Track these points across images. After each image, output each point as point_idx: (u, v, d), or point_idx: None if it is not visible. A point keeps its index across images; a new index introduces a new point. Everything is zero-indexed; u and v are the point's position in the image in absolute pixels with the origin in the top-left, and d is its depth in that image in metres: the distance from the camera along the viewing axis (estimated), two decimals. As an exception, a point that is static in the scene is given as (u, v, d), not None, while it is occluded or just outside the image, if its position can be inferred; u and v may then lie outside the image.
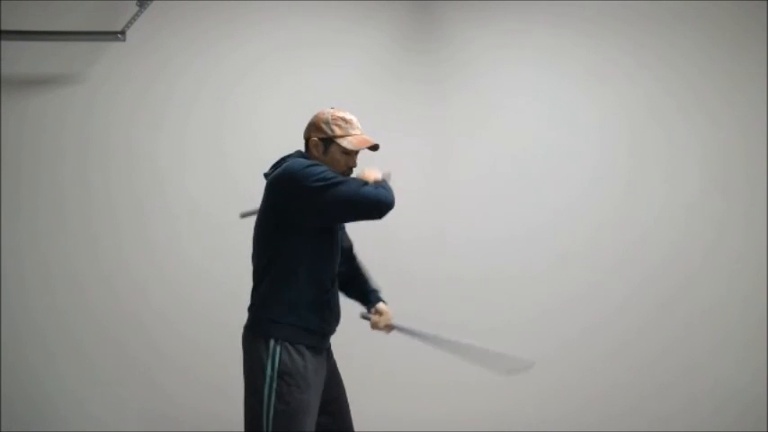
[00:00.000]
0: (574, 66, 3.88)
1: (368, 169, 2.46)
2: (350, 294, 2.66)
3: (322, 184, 2.27)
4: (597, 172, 3.87)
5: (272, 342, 2.32)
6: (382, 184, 2.36)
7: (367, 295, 2.66)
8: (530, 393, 3.77)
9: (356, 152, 2.47)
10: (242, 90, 3.69)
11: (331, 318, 2.43)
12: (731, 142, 3.87)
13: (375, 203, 2.30)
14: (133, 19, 3.47)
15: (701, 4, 3.88)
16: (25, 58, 3.51)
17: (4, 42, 3.43)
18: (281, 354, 2.31)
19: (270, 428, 2.28)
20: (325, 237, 2.40)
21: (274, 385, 2.30)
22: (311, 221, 2.34)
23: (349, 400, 2.53)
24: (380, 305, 2.66)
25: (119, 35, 3.47)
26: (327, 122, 2.46)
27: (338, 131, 2.45)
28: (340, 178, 2.31)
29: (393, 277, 3.70)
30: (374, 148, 2.49)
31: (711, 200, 3.85)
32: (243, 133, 3.68)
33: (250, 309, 2.41)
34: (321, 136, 2.45)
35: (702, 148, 3.87)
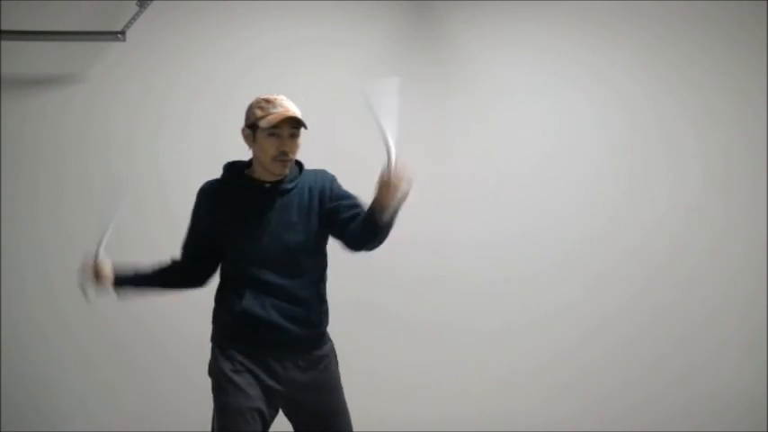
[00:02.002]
0: (574, 66, 3.88)
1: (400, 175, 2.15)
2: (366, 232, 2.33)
3: None
4: (598, 172, 3.86)
5: (210, 345, 2.43)
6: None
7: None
8: (531, 394, 3.77)
9: (290, 135, 2.33)
10: (242, 90, 3.66)
11: (246, 325, 2.37)
12: (733, 143, 3.87)
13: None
14: (133, 19, 3.47)
15: (702, 3, 3.88)
16: (25, 58, 3.50)
17: (4, 42, 3.43)
18: (213, 356, 2.40)
19: (214, 428, 2.35)
20: (234, 241, 2.38)
21: (213, 386, 2.37)
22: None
23: (349, 400, 2.51)
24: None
25: (119, 35, 3.47)
26: (251, 107, 2.38)
27: (259, 113, 2.33)
28: None
29: (393, 278, 3.72)
30: (295, 122, 2.31)
31: (713, 201, 3.85)
32: (243, 133, 3.67)
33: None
34: (247, 123, 2.37)
35: (704, 149, 3.87)
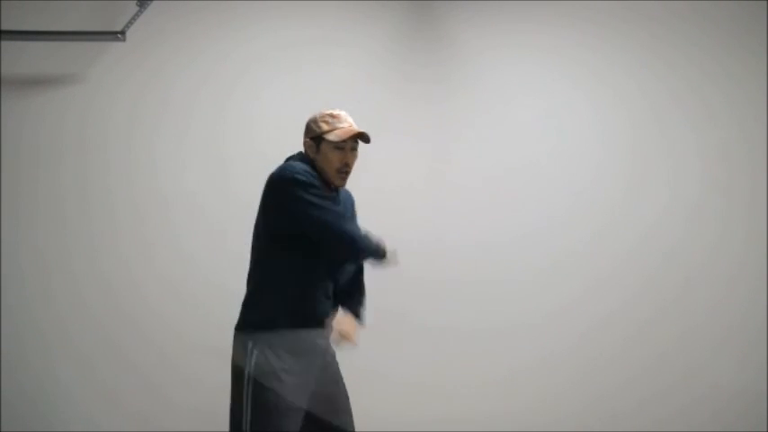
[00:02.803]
0: (574, 66, 3.88)
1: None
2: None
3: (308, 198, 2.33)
4: (598, 172, 3.87)
5: (250, 343, 2.36)
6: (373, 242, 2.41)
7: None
8: (531, 394, 3.77)
9: (351, 148, 2.46)
10: (242, 90, 3.69)
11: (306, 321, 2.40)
12: (732, 142, 3.87)
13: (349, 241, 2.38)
14: (133, 19, 3.47)
15: (702, 3, 3.88)
16: (25, 58, 3.50)
17: (4, 42, 3.43)
18: (257, 356, 2.34)
19: (248, 429, 2.31)
20: (308, 245, 2.38)
21: (251, 387, 2.33)
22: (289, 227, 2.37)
23: (351, 399, 2.52)
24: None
25: (119, 35, 3.47)
26: (315, 121, 2.48)
27: (325, 127, 2.45)
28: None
29: (392, 279, 3.71)
30: (363, 137, 2.46)
31: (712, 201, 3.85)
32: (243, 133, 3.67)
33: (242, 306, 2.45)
34: (311, 135, 2.47)
35: (703, 149, 3.87)
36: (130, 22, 3.47)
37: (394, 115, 3.76)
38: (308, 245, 2.37)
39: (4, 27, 3.42)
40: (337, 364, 2.52)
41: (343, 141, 2.43)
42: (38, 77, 3.53)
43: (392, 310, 3.71)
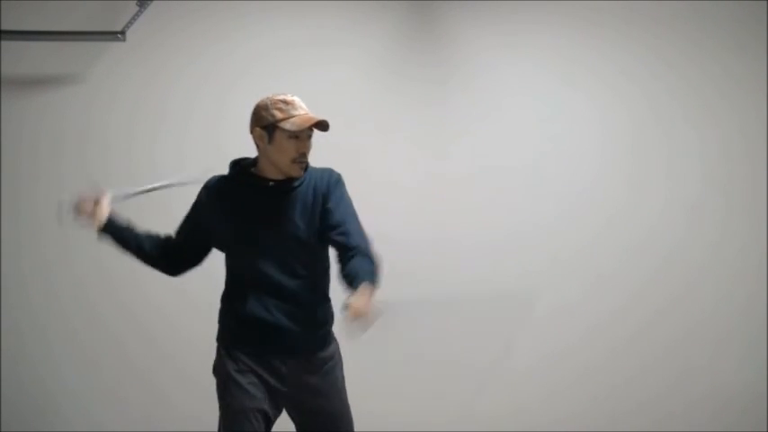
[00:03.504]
0: (574, 66, 3.88)
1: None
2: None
3: None
4: (598, 172, 3.87)
5: (216, 344, 2.43)
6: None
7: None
8: (531, 394, 3.77)
9: (307, 135, 2.32)
10: (242, 90, 3.67)
11: (250, 327, 2.36)
12: (733, 142, 3.87)
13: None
14: (133, 19, 3.47)
15: (702, 3, 3.88)
16: (25, 58, 3.50)
17: (4, 42, 3.43)
18: (218, 356, 2.40)
19: (220, 428, 2.36)
20: (236, 240, 2.37)
21: (218, 386, 2.38)
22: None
23: (350, 399, 2.51)
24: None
25: (119, 35, 3.47)
26: (267, 108, 2.34)
27: (279, 115, 2.30)
28: None
29: (392, 278, 3.71)
30: (322, 126, 2.30)
31: (713, 200, 3.85)
32: (243, 133, 3.65)
33: None
34: (263, 124, 2.33)
35: (703, 148, 3.87)
36: (130, 22, 3.47)
37: (393, 115, 3.76)
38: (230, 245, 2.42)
39: (4, 27, 3.42)
40: (335, 375, 2.45)
41: (301, 131, 2.29)
42: (38, 77, 3.53)
43: (391, 310, 3.71)
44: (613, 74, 3.88)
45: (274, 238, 2.33)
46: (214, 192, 2.45)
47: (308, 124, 2.29)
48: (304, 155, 2.33)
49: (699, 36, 3.88)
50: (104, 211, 2.48)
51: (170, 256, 2.53)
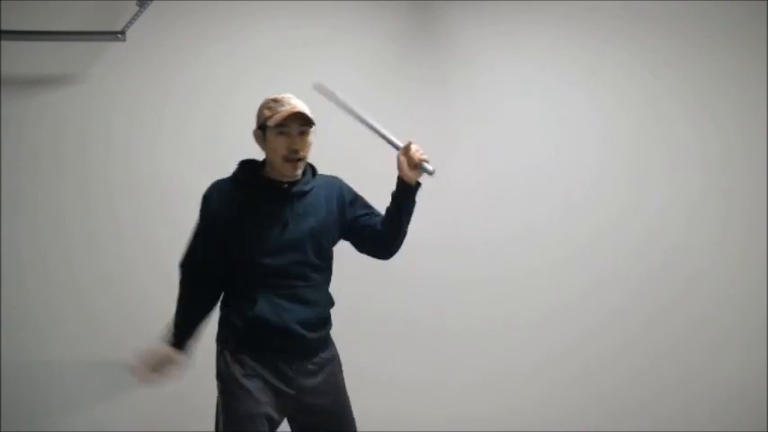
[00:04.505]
0: (574, 66, 3.88)
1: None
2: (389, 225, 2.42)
3: None
4: (598, 173, 3.87)
5: (217, 346, 2.40)
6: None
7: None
8: (531, 394, 3.77)
9: (299, 132, 2.30)
10: (242, 90, 3.68)
11: (258, 331, 2.34)
12: (733, 143, 3.87)
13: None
14: (133, 19, 3.47)
15: (702, 4, 3.88)
16: (25, 58, 3.50)
17: (4, 42, 3.42)
18: (222, 360, 2.37)
19: (218, 430, 2.35)
20: (249, 243, 2.34)
21: (222, 390, 2.36)
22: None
23: (351, 399, 2.52)
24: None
25: (119, 35, 3.47)
26: (261, 108, 2.35)
27: (268, 113, 2.32)
28: None
29: (392, 278, 3.72)
30: (303, 118, 2.28)
31: (713, 200, 3.85)
32: (243, 133, 3.65)
33: None
34: (258, 124, 2.35)
35: (704, 149, 3.87)
36: (130, 22, 3.47)
37: (393, 115, 3.74)
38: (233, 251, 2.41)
39: (4, 27, 3.42)
40: (336, 376, 2.47)
41: (283, 125, 2.27)
42: (38, 77, 3.53)
43: (392, 310, 3.72)
44: (613, 74, 3.88)
45: (288, 241, 2.33)
46: (222, 196, 2.41)
47: (284, 117, 2.27)
48: (296, 152, 2.31)
49: (699, 36, 3.88)
50: (174, 357, 2.47)
51: (217, 283, 2.47)
